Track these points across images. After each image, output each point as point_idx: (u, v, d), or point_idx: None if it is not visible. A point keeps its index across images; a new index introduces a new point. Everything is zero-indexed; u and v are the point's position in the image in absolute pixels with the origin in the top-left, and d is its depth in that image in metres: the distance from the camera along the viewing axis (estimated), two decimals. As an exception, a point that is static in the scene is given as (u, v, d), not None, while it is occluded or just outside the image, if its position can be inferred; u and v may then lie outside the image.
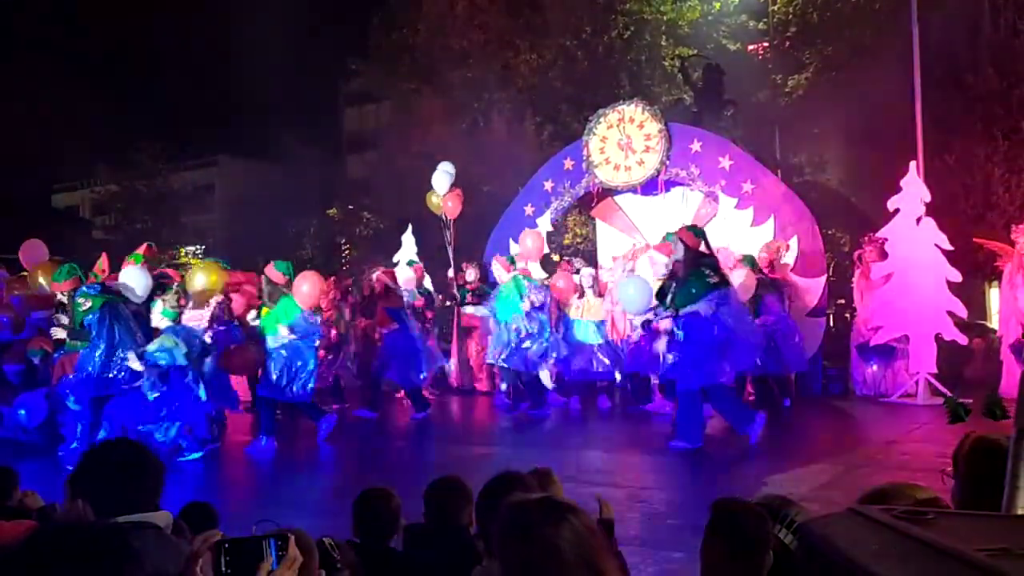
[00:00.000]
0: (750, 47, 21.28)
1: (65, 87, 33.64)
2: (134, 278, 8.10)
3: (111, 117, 35.21)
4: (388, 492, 3.13)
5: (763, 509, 2.32)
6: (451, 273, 12.33)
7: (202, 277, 8.42)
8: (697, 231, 7.92)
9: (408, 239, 13.12)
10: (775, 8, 20.14)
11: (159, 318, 7.93)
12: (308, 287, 8.51)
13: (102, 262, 8.65)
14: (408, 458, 8.31)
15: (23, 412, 8.39)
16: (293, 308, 8.37)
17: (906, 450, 7.16)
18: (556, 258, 14.56)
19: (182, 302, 8.01)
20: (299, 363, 8.36)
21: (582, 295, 10.65)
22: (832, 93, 17.67)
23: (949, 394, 8.69)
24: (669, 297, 7.69)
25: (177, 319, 7.91)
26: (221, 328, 8.22)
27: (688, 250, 7.67)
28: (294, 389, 8.35)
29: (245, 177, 35.63)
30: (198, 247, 32.64)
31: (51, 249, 9.82)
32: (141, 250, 8.61)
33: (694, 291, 7.40)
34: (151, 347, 7.64)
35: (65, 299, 8.61)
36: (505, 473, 2.68)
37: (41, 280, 8.93)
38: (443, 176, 12.15)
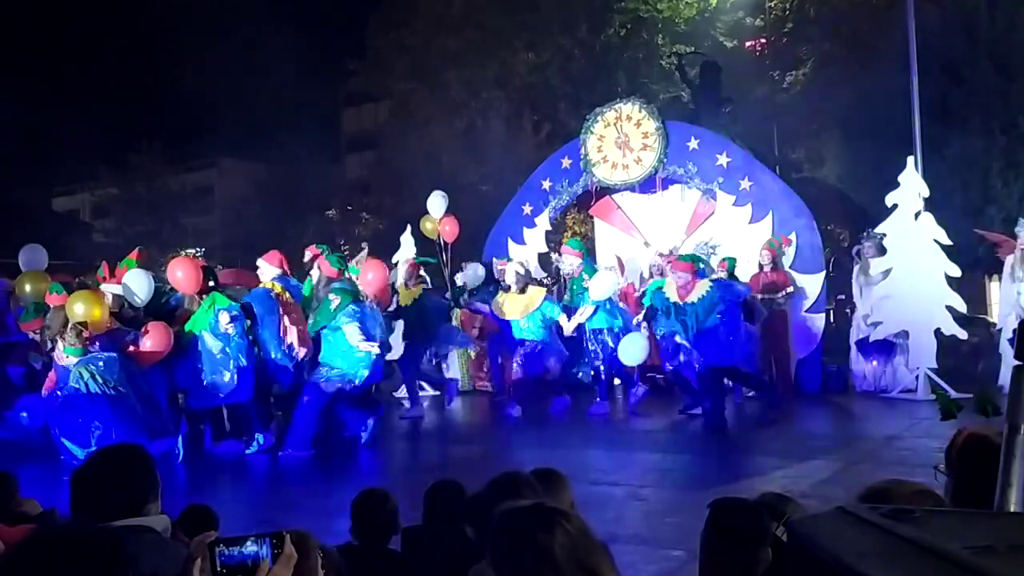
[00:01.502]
0: (747, 43, 21.31)
1: (64, 90, 33.67)
2: (137, 280, 8.10)
3: (110, 120, 35.19)
4: (386, 493, 3.14)
5: (761, 507, 2.32)
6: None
7: (82, 307, 7.66)
8: (335, 260, 8.70)
9: (407, 239, 13.12)
10: (772, 4, 20.15)
11: (64, 357, 7.54)
12: (182, 273, 8.21)
13: (102, 270, 8.64)
14: (408, 459, 8.32)
15: (25, 415, 8.39)
16: (218, 299, 8.19)
17: (906, 446, 7.16)
18: (556, 257, 14.57)
19: (86, 335, 7.53)
20: (224, 364, 8.08)
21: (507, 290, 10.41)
22: (829, 89, 17.69)
23: (949, 389, 8.73)
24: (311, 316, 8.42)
25: (84, 352, 7.49)
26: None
27: (322, 275, 8.62)
28: (220, 393, 8.08)
29: (244, 178, 35.59)
30: (198, 249, 32.68)
31: (52, 253, 9.81)
32: (133, 255, 8.58)
33: (332, 308, 8.08)
34: (70, 380, 7.42)
35: (37, 336, 8.60)
36: (506, 473, 2.68)
37: (27, 287, 8.87)
38: (438, 200, 12.02)
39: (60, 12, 47.64)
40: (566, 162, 12.83)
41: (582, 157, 12.53)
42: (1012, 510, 1.60)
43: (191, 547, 1.53)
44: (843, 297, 14.08)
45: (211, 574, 1.47)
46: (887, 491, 2.24)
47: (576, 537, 1.57)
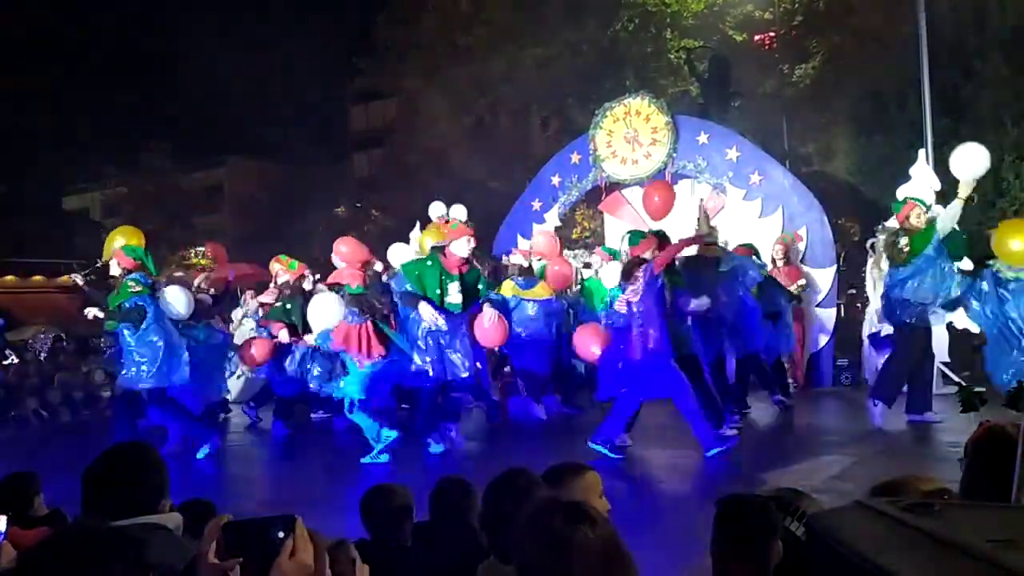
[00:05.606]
0: (756, 37, 21.19)
1: (73, 89, 33.80)
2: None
3: (120, 119, 35.36)
4: (394, 488, 3.12)
5: (770, 501, 2.32)
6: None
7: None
8: (133, 252, 8.14)
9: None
10: (780, -3, 20.03)
11: None
12: None
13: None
14: (414, 455, 8.31)
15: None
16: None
17: (918, 440, 7.13)
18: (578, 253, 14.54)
19: None
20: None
21: None
22: (839, 82, 17.61)
23: (963, 383, 8.67)
24: None
25: None
26: None
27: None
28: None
29: (253, 177, 35.67)
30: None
31: (63, 251, 9.89)
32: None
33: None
34: None
35: None
36: (514, 469, 2.68)
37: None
38: (460, 210, 11.98)
39: (69, 11, 47.89)
40: (575, 158, 12.82)
41: (591, 152, 12.51)
42: (1030, 503, 1.58)
43: (206, 529, 1.53)
44: (854, 291, 14.01)
45: (226, 555, 1.47)
46: (900, 485, 2.23)
47: (598, 543, 1.56)
